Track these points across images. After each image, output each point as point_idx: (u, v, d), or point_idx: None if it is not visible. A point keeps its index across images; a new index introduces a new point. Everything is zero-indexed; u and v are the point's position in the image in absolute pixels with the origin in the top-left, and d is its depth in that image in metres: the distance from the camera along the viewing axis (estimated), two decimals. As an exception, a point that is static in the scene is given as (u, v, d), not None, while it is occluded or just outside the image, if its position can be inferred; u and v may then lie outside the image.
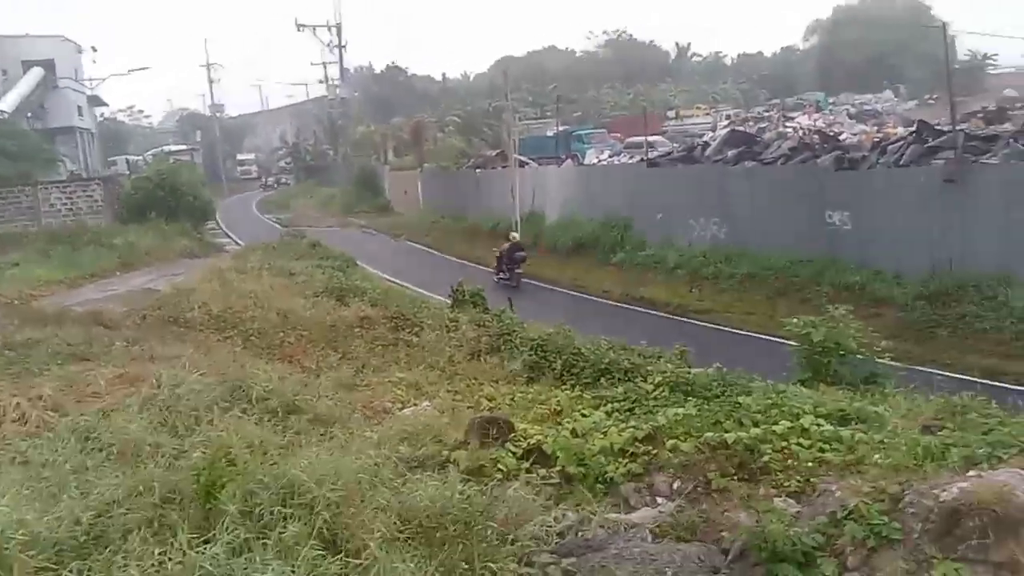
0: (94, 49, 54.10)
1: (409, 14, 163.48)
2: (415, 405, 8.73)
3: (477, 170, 37.36)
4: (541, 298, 22.20)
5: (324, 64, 58.19)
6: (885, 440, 5.57)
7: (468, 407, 8.66)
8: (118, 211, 32.47)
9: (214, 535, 4.39)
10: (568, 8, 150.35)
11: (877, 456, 5.34)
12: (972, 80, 65.85)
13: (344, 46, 57.86)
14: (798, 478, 5.35)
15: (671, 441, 6.10)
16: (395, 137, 59.38)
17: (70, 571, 4.02)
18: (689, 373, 8.57)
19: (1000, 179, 15.72)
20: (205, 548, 4.24)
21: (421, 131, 52.29)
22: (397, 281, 23.46)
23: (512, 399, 8.92)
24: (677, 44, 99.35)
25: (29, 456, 5.84)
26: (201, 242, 31.69)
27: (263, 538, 4.44)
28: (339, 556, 4.27)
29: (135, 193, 32.98)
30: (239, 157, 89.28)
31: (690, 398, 7.80)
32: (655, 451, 6.07)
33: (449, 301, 15.68)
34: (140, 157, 60.98)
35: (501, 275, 24.45)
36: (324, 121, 75.20)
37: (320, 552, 4.23)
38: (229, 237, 37.87)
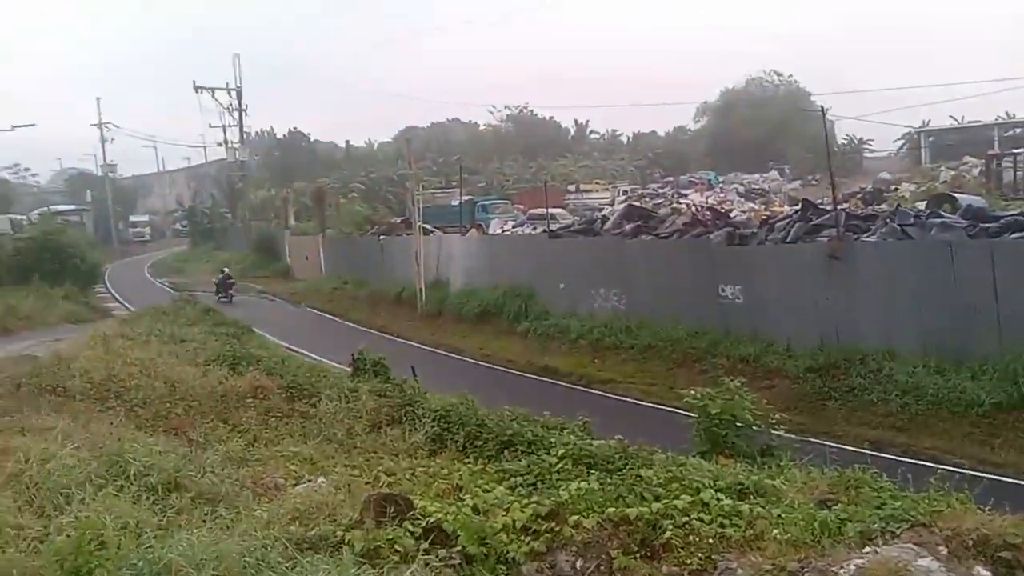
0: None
1: (313, 81, 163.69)
2: (309, 481, 8.33)
3: (381, 237, 37.16)
4: (446, 366, 21.98)
5: (224, 127, 57.19)
6: (783, 515, 5.63)
7: (366, 483, 8.33)
8: (-4, 272, 30.64)
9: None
10: (470, 83, 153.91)
11: (776, 531, 5.39)
12: (850, 163, 70.85)
13: (244, 109, 57.10)
14: (699, 555, 5.33)
15: (574, 517, 6.00)
16: (297, 202, 58.73)
17: None
18: (592, 445, 8.53)
19: (879, 256, 16.67)
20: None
21: (323, 196, 51.89)
22: (296, 348, 22.76)
23: (412, 473, 8.63)
24: (576, 121, 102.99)
25: None
26: (87, 306, 30.19)
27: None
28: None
29: (17, 254, 31.26)
30: (132, 219, 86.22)
31: (593, 471, 7.74)
32: (558, 528, 5.94)
33: (350, 369, 15.27)
34: (25, 217, 58.01)
35: (220, 296, 34.64)
36: (223, 184, 73.67)
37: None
38: (118, 301, 36.17)
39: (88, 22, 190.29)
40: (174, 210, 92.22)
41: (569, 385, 19.32)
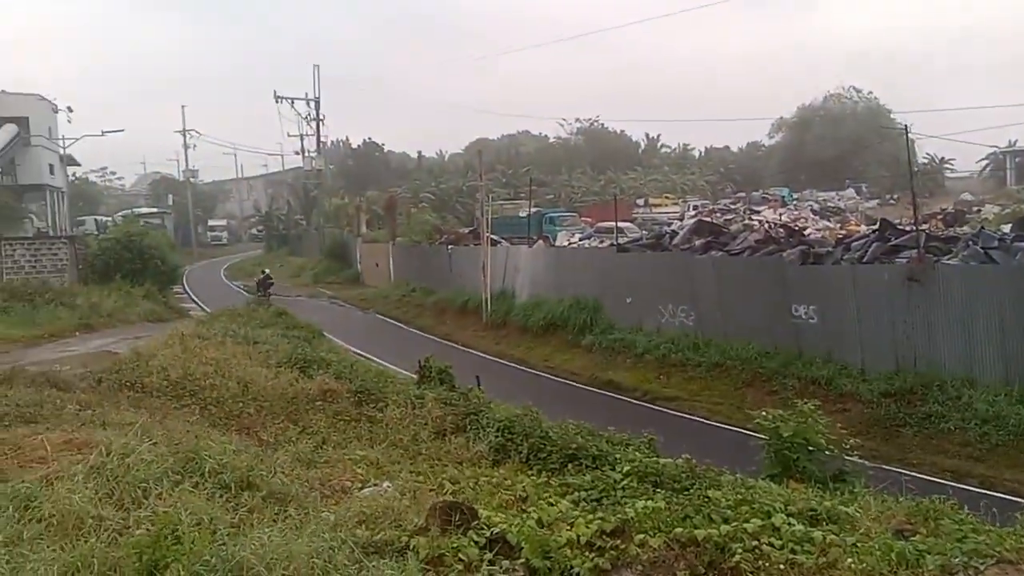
0: (70, 109, 54.18)
1: (388, 93, 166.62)
2: (375, 485, 8.42)
3: (449, 246, 37.52)
4: (510, 377, 22.00)
5: (301, 136, 58.73)
6: (858, 543, 5.43)
7: (431, 489, 8.38)
8: (82, 271, 31.94)
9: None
10: (542, 96, 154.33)
11: (850, 560, 5.21)
12: (931, 183, 68.53)
13: (322, 119, 58.52)
14: (770, 581, 5.19)
15: (639, 536, 5.91)
16: (369, 210, 59.69)
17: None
18: (658, 463, 8.40)
19: (962, 280, 16.05)
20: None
21: (395, 205, 52.63)
22: (364, 354, 23.14)
23: (476, 482, 8.65)
24: (647, 135, 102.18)
25: (-39, 526, 5.47)
26: (166, 306, 31.20)
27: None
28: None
29: (101, 254, 32.55)
30: (211, 223, 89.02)
31: (659, 490, 7.63)
32: (623, 545, 5.86)
33: (416, 376, 15.43)
34: (109, 218, 60.52)
35: (259, 294, 34.43)
36: (298, 191, 75.51)
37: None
38: (195, 302, 37.35)
39: (176, 32, 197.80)
40: (251, 215, 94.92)
41: (633, 401, 19.12)
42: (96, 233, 46.39)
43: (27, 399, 10.97)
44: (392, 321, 34.05)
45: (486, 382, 14.96)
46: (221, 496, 6.45)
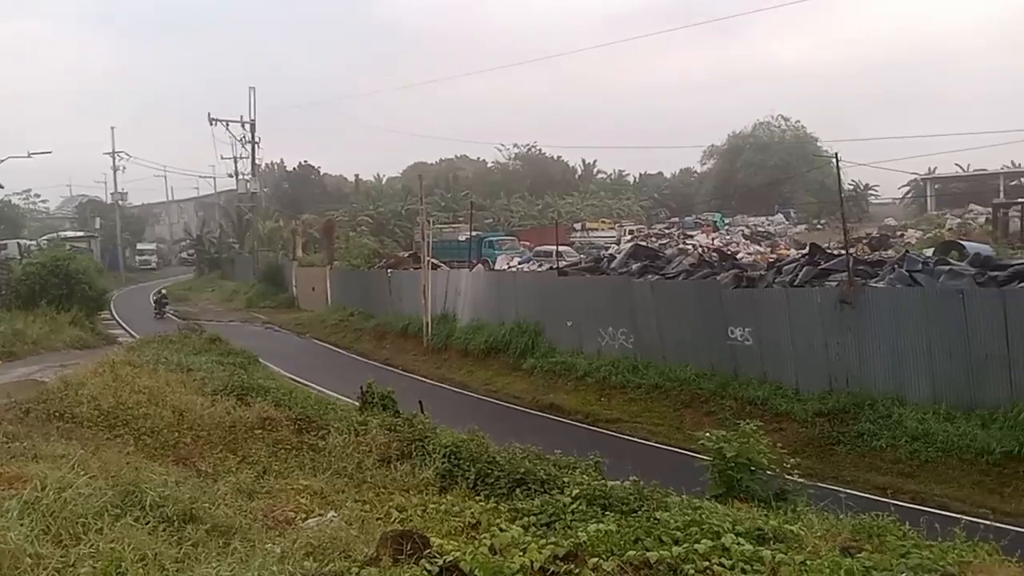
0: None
1: (323, 116, 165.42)
2: (320, 515, 8.27)
3: (389, 270, 37.27)
4: (452, 401, 21.88)
5: (235, 158, 57.68)
6: (807, 562, 5.57)
7: (378, 518, 8.28)
8: (5, 296, 30.69)
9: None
10: (479, 122, 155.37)
11: (799, 578, 5.33)
12: (856, 208, 71.20)
13: (257, 142, 57.67)
14: (723, 601, 5.27)
15: (592, 560, 5.93)
16: (305, 233, 58.93)
17: None
18: (606, 486, 8.47)
19: (889, 302, 16.66)
20: None
21: (333, 229, 52.13)
22: (302, 380, 22.73)
23: (424, 510, 8.57)
24: (584, 160, 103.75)
25: None
26: (94, 333, 30.20)
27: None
28: None
29: (26, 279, 31.31)
30: (139, 247, 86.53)
31: (608, 512, 7.68)
32: (576, 570, 5.87)
33: (357, 403, 15.21)
34: (33, 242, 58.33)
35: (156, 313, 40.98)
36: (231, 214, 74.05)
37: None
38: (124, 328, 36.19)
39: (107, 53, 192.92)
40: (181, 239, 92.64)
41: (576, 423, 19.22)
42: (19, 258, 44.60)
43: (-53, 432, 10.45)
44: (330, 346, 33.57)
45: (429, 407, 14.84)
46: (164, 530, 6.26)
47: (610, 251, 37.19)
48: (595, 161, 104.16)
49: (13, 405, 13.67)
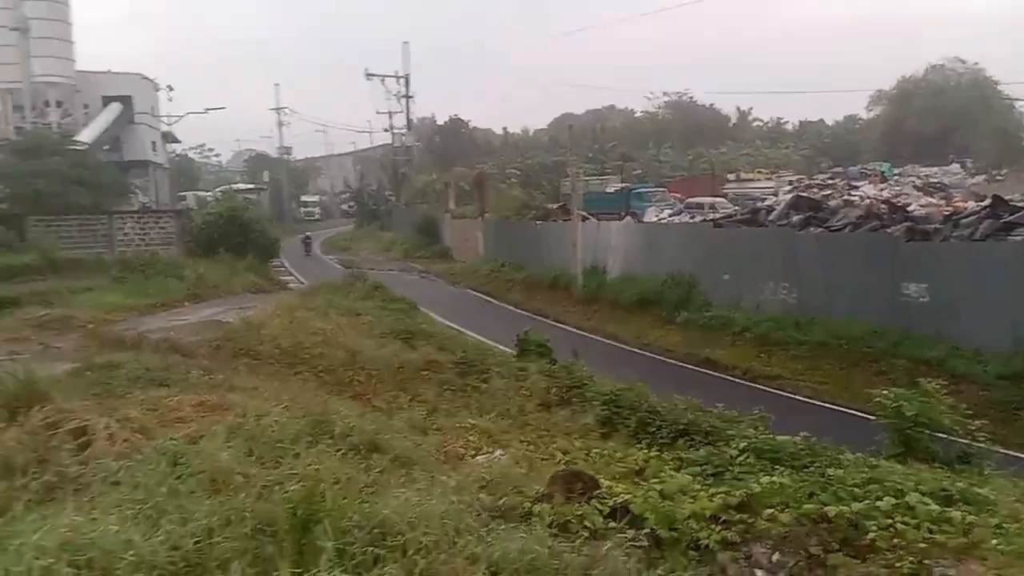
0: (170, 88, 56.45)
1: (472, 69, 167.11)
2: (488, 453, 8.59)
3: (537, 222, 37.54)
4: (604, 352, 21.94)
5: (390, 113, 59.63)
6: (1003, 525, 5.25)
7: (543, 459, 8.49)
8: (188, 244, 33.33)
9: (311, 571, 4.33)
10: (629, 70, 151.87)
11: (996, 541, 5.04)
12: (1043, 157, 64.65)
13: (411, 97, 59.30)
14: (911, 559, 5.05)
15: (767, 511, 5.85)
16: (456, 186, 60.26)
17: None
18: (775, 440, 8.28)
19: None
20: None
21: (483, 181, 52.93)
22: (458, 327, 23.44)
23: (587, 454, 8.71)
24: (738, 108, 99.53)
25: (121, 477, 5.84)
26: (267, 278, 32.25)
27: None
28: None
29: (206, 227, 33.85)
30: (303, 198, 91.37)
31: (778, 466, 7.52)
32: (751, 520, 5.81)
33: (515, 350, 15.58)
34: (209, 193, 62.89)
35: (306, 252, 46.89)
36: (387, 168, 76.79)
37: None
38: (292, 275, 38.53)
39: (271, 12, 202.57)
40: (341, 192, 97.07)
41: (734, 379, 18.80)
42: (197, 208, 48.28)
43: (155, 363, 11.57)
44: (483, 296, 34.38)
45: (582, 357, 14.98)
46: (352, 457, 6.68)
47: (768, 202, 35.70)
48: (751, 109, 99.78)
49: (204, 342, 14.97)
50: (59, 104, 48.59)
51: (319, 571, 4.25)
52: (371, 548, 4.67)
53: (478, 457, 8.32)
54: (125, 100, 51.27)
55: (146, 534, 4.39)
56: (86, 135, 44.50)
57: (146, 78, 55.07)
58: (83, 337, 15.21)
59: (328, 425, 7.25)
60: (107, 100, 50.68)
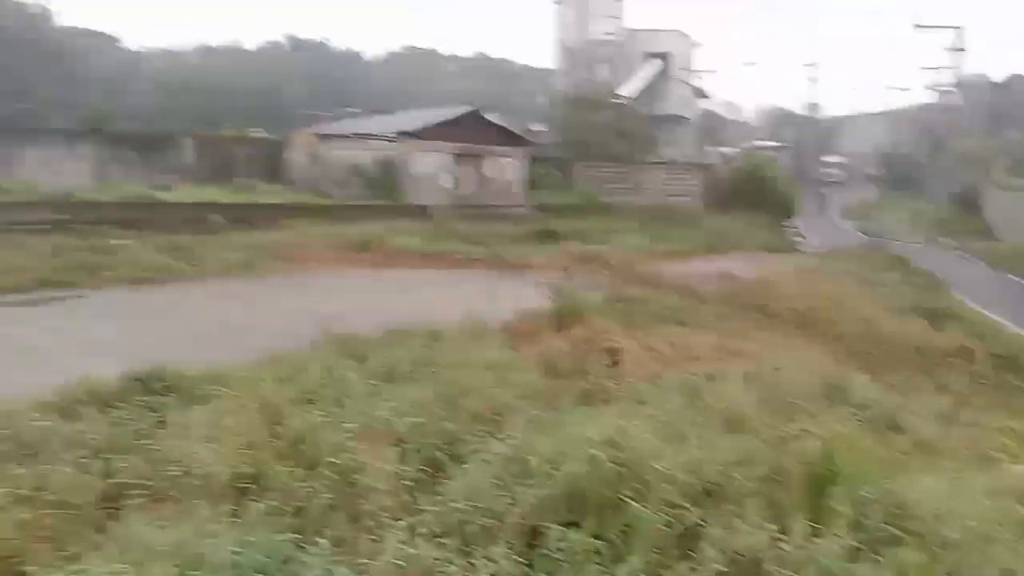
0: (702, 45, 58.30)
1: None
2: (1027, 464, 7.36)
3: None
4: None
5: (936, 69, 53.07)
6: None
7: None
8: (709, 197, 34.62)
9: (822, 531, 4.23)
10: None
11: None
12: None
13: (962, 50, 51.93)
14: None
15: None
16: (1008, 154, 51.64)
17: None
18: None
19: None
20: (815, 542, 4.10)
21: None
22: (997, 317, 20.20)
23: None
24: None
25: (646, 398, 6.40)
26: (780, 238, 31.96)
27: (873, 552, 4.14)
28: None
29: (727, 183, 34.74)
30: (825, 159, 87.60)
31: None
32: None
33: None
34: (732, 150, 64.10)
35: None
36: (925, 130, 69.17)
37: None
38: (805, 238, 37.45)
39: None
40: (868, 154, 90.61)
41: None
42: (721, 164, 49.63)
43: (672, 303, 12.38)
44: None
45: None
46: (870, 431, 6.32)
47: None
48: None
49: (718, 292, 15.48)
50: (608, 61, 53.78)
51: (835, 533, 4.13)
52: (888, 527, 4.40)
53: (1017, 467, 7.20)
54: (664, 57, 54.54)
55: (675, 452, 4.72)
56: (628, 89, 48.57)
57: (684, 35, 57.64)
58: (611, 273, 16.87)
59: (843, 392, 6.95)
60: (647, 56, 54.49)
